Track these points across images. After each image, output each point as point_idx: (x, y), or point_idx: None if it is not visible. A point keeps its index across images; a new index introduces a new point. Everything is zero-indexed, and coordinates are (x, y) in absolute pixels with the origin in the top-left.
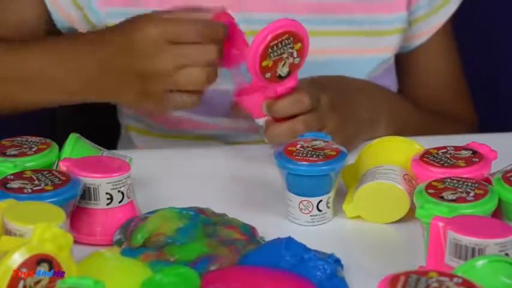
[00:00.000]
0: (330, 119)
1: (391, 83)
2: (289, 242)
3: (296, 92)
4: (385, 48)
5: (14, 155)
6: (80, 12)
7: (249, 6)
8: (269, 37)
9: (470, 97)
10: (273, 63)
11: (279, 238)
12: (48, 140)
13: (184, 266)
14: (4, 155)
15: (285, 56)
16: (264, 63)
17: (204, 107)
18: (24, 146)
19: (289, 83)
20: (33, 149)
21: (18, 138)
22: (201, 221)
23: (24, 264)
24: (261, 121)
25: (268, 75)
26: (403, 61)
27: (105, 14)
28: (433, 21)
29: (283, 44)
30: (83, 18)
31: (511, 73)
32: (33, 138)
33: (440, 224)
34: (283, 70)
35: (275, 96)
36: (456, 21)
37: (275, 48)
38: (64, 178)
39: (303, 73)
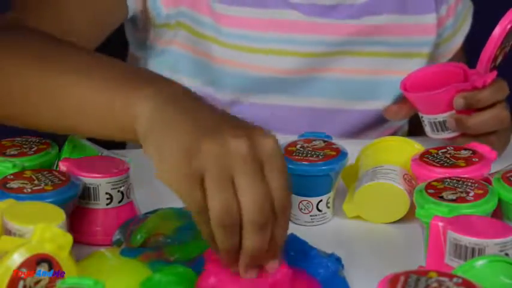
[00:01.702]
0: None
1: None
2: (292, 238)
3: (496, 80)
4: (410, 70)
5: (14, 155)
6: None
7: (286, 29)
8: (508, 26)
9: None
10: (499, 53)
11: None
12: (47, 140)
13: (181, 265)
14: (4, 155)
15: (507, 46)
16: (497, 53)
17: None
18: (24, 146)
19: (494, 73)
20: (33, 149)
21: (18, 138)
22: None
23: (24, 264)
24: (440, 117)
25: (492, 65)
26: None
27: (167, 13)
28: (456, 41)
29: (509, 34)
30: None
31: (511, 73)
32: (33, 138)
33: (440, 224)
34: (498, 60)
35: (472, 88)
36: None
37: (506, 38)
38: (64, 178)
39: (327, 91)
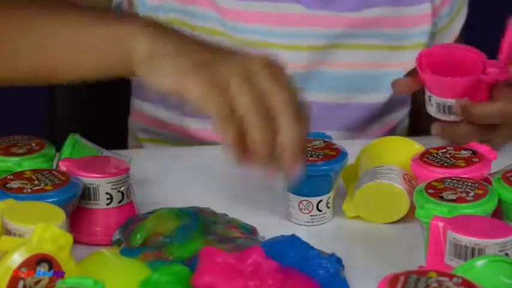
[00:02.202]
0: None
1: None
2: (293, 239)
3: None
4: (408, 62)
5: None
6: None
7: (290, 23)
8: None
9: None
10: None
11: (282, 235)
12: (43, 140)
13: (178, 264)
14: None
15: None
16: None
17: None
18: (19, 145)
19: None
20: (25, 149)
21: (6, 138)
22: (201, 221)
23: (24, 264)
24: (450, 101)
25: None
26: None
27: (151, 5)
28: (453, 29)
29: None
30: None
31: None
32: (18, 136)
33: (440, 224)
34: None
35: (493, 81)
36: None
37: None
38: (64, 178)
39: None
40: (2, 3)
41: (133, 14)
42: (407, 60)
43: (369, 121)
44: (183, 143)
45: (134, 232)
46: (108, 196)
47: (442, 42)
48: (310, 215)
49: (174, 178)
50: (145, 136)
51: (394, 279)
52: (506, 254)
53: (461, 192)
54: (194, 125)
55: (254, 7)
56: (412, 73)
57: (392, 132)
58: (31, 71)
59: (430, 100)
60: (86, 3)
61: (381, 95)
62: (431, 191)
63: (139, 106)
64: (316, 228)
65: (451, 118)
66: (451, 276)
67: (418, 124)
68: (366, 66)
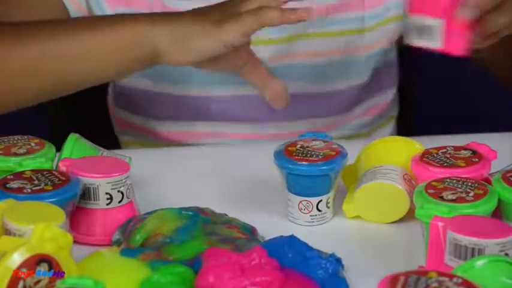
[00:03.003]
0: None
1: (391, 81)
2: (291, 240)
3: None
4: (375, 44)
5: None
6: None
7: None
8: None
9: None
10: None
11: (281, 236)
12: (43, 140)
13: (180, 265)
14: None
15: None
16: None
17: (206, 114)
18: (19, 145)
19: None
20: (25, 149)
21: (6, 138)
22: (201, 221)
23: (24, 264)
24: (430, 21)
25: None
26: None
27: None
28: None
29: None
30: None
31: None
32: (18, 136)
33: (440, 224)
34: None
35: None
36: None
37: None
38: (64, 178)
39: (298, 76)
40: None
41: (128, 15)
42: (374, 42)
43: (351, 105)
44: (159, 145)
45: (134, 233)
46: (108, 196)
47: None
48: (310, 215)
49: (174, 178)
50: (128, 139)
51: (394, 279)
52: (506, 254)
53: (461, 192)
54: (161, 128)
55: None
56: None
57: (382, 115)
58: (55, 85)
59: (408, 26)
60: (60, 11)
61: (354, 79)
62: (431, 191)
63: (115, 112)
64: (316, 228)
65: (431, 44)
66: (451, 276)
67: (407, 115)
68: (333, 53)
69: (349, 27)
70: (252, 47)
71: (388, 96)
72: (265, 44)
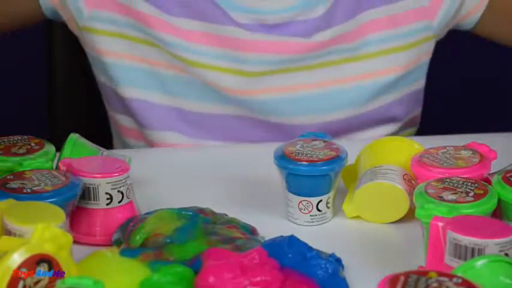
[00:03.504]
0: None
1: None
2: (291, 240)
3: None
4: (364, 74)
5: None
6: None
7: (230, 45)
8: None
9: None
10: None
11: (281, 236)
12: (43, 140)
13: (180, 265)
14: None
15: None
16: None
17: (199, 130)
18: (19, 145)
19: None
20: (25, 149)
21: (6, 138)
22: (201, 221)
23: (24, 264)
24: None
25: None
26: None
27: (89, 15)
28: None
29: None
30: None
31: (511, 73)
32: (18, 137)
33: (440, 224)
34: None
35: None
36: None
37: None
38: (64, 178)
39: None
40: None
41: None
42: (363, 72)
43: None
44: None
45: (134, 233)
46: (108, 196)
47: (467, 12)
48: (310, 215)
49: (174, 178)
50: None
51: (394, 279)
52: (506, 254)
53: (461, 192)
54: (153, 137)
55: (192, 25)
56: None
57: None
58: None
59: None
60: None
61: (341, 112)
62: (431, 191)
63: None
64: (316, 228)
65: None
66: (451, 276)
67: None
68: (321, 85)
69: (340, 56)
70: (229, 76)
71: (390, 131)
72: (243, 75)
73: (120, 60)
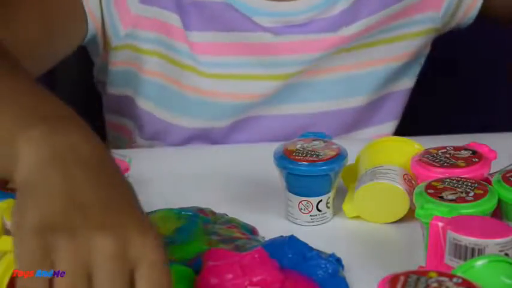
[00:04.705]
0: None
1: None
2: (291, 240)
3: None
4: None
5: None
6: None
7: (260, 51)
8: None
9: None
10: None
11: (281, 236)
12: None
13: (179, 264)
14: None
15: None
16: None
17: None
18: None
19: None
20: None
21: None
22: (201, 221)
23: None
24: None
25: None
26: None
27: (125, 33)
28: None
29: None
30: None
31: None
32: None
33: (440, 224)
34: None
35: None
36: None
37: None
38: None
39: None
40: None
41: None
42: (390, 56)
43: (353, 127)
44: None
45: None
46: None
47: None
48: (310, 215)
49: (174, 178)
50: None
51: (394, 279)
52: (506, 254)
53: (461, 192)
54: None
55: (221, 38)
56: None
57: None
58: None
59: None
60: (59, 28)
61: (358, 99)
62: (431, 191)
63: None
64: (316, 228)
65: None
66: (451, 276)
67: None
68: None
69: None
70: (260, 82)
71: (392, 128)
72: (276, 79)
73: (154, 79)
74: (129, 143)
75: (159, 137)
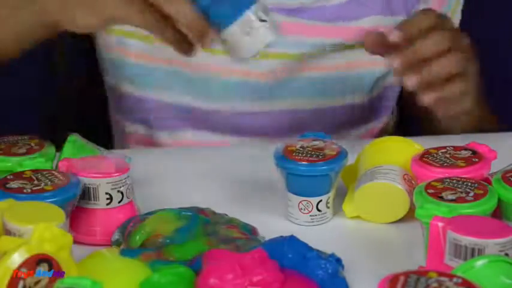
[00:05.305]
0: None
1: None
2: (291, 240)
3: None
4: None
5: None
6: None
7: None
8: None
9: None
10: None
11: (281, 236)
12: (43, 140)
13: (180, 265)
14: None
15: None
16: None
17: (207, 124)
18: (19, 145)
19: None
20: (25, 149)
21: (6, 138)
22: (201, 221)
23: (24, 264)
24: None
25: None
26: None
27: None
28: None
29: None
30: None
31: (511, 73)
32: (18, 137)
33: (440, 224)
34: None
35: None
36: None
37: None
38: (64, 178)
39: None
40: None
41: None
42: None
43: (351, 124)
44: None
45: (133, 233)
46: (107, 196)
47: None
48: (310, 215)
49: (174, 178)
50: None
51: (394, 279)
52: (506, 254)
53: (461, 192)
54: (163, 138)
55: None
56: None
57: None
58: None
59: None
60: None
61: (357, 95)
62: (431, 191)
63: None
64: (316, 228)
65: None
66: (451, 276)
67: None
68: (341, 68)
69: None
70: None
71: (386, 119)
72: (281, 57)
73: (144, 61)
74: (128, 137)
75: (149, 119)
